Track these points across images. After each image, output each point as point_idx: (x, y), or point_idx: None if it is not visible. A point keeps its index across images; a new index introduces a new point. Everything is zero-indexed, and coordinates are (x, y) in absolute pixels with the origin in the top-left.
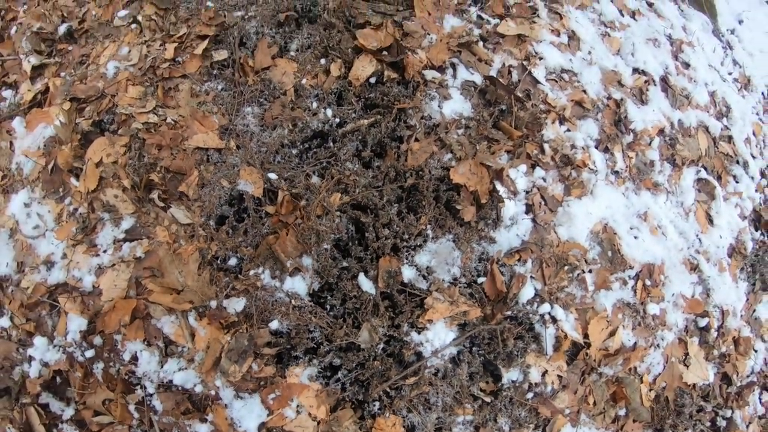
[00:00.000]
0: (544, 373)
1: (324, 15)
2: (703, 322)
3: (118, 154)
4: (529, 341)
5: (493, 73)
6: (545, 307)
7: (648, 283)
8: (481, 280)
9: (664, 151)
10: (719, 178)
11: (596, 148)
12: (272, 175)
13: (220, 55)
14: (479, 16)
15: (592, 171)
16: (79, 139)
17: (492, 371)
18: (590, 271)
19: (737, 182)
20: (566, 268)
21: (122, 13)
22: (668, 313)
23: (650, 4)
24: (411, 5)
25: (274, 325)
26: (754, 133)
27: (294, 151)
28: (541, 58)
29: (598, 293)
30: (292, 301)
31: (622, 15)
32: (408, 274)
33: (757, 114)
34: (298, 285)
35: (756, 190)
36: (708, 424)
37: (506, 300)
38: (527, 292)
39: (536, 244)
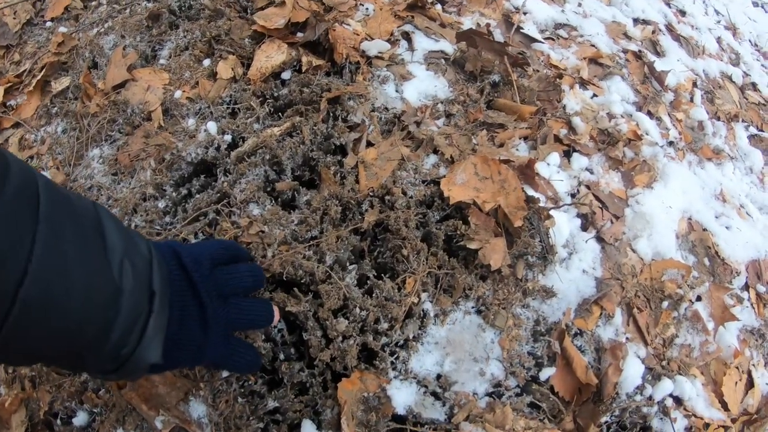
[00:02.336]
0: None
1: (207, 3)
2: None
3: None
4: None
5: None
6: (665, 387)
7: (761, 289)
8: (546, 373)
9: (708, 107)
10: (762, 132)
11: (639, 111)
12: None
13: (60, 84)
14: None
15: (653, 144)
16: None
17: None
18: (699, 299)
19: None
20: (666, 305)
21: None
22: None
23: None
24: None
25: None
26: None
27: (161, 205)
28: (525, 13)
29: (722, 329)
30: None
31: None
32: (403, 398)
33: (758, 60)
34: None
35: None
36: None
37: (601, 397)
38: (634, 369)
39: (615, 275)
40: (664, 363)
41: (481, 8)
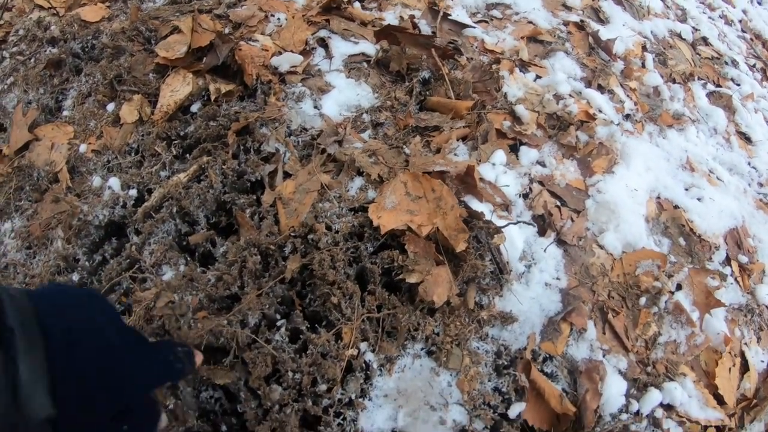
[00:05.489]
0: None
1: (105, 40)
2: None
3: None
4: None
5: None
6: (652, 398)
7: (743, 259)
8: (516, 409)
9: (661, 70)
10: (718, 86)
11: (589, 87)
12: None
13: None
14: None
15: (608, 122)
16: None
17: None
18: (679, 287)
19: (738, 84)
20: (644, 301)
21: None
22: None
23: None
24: None
25: None
26: (717, 30)
27: (75, 278)
28: None
29: (708, 316)
30: None
31: None
32: None
33: (704, 13)
34: None
35: (760, 86)
36: None
37: (582, 424)
38: (615, 389)
39: (583, 284)
40: (649, 368)
41: None
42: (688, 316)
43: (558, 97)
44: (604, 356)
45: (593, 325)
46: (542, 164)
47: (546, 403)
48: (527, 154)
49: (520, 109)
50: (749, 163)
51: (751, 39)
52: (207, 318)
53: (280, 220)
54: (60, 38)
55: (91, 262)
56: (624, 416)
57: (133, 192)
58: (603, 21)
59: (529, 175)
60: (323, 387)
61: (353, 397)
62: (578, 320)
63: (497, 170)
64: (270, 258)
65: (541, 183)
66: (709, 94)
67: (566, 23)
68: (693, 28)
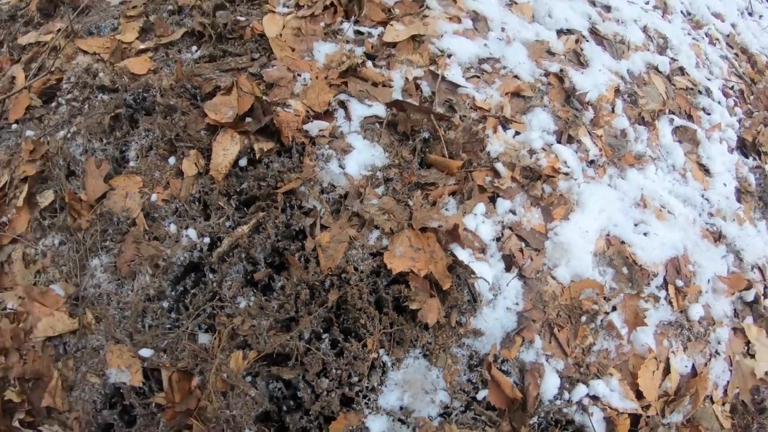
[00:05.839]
0: None
1: (159, 99)
2: (749, 296)
3: None
4: None
5: (396, 93)
6: (580, 390)
7: (680, 283)
8: (482, 394)
9: (629, 112)
10: (690, 118)
11: (559, 142)
12: (146, 352)
13: (46, 198)
14: (357, 32)
15: (567, 175)
16: None
17: None
18: (614, 309)
19: (709, 114)
20: (584, 319)
21: None
22: (712, 306)
23: None
24: (268, 47)
25: None
26: (696, 55)
27: (165, 305)
28: (450, 56)
29: (635, 331)
30: None
31: None
32: (378, 427)
33: (689, 34)
34: None
35: (729, 114)
36: None
37: (526, 406)
38: (551, 383)
39: (537, 307)
40: (582, 369)
41: (409, 55)
42: (618, 331)
43: (531, 152)
44: (547, 360)
45: (540, 338)
46: (513, 212)
47: (503, 391)
48: (502, 204)
49: (500, 166)
50: (703, 195)
51: (736, 55)
52: (276, 335)
53: (320, 263)
54: (110, 87)
55: (175, 292)
56: (558, 402)
57: (207, 240)
58: (583, 64)
59: (502, 222)
60: (355, 379)
61: (375, 385)
62: (528, 334)
63: (478, 220)
64: (315, 291)
65: (510, 228)
66: (675, 130)
67: (547, 73)
68: (671, 58)
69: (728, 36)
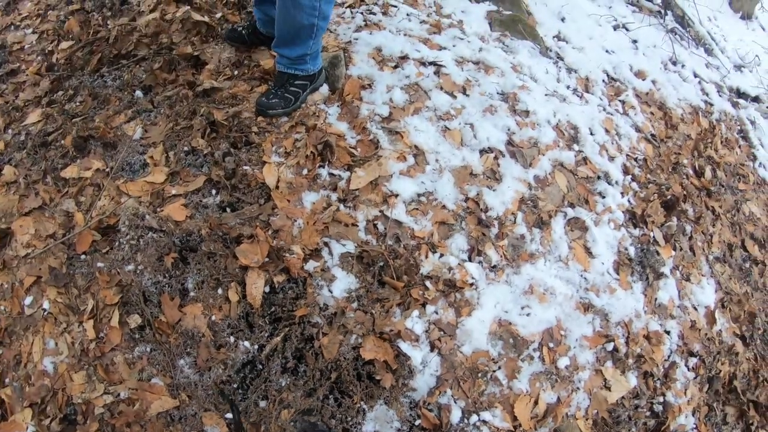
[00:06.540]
0: None
1: (201, 246)
2: (609, 347)
3: None
4: None
5: (360, 231)
6: (474, 418)
7: (551, 345)
8: (418, 422)
9: (529, 218)
10: (586, 202)
11: (470, 259)
12: (228, 415)
13: (134, 320)
14: (330, 174)
15: (472, 286)
16: None
17: None
18: (500, 368)
19: (603, 197)
20: (479, 375)
21: (27, 300)
22: (578, 356)
23: (476, 63)
24: (269, 196)
25: None
26: (606, 131)
27: (234, 386)
28: (396, 195)
29: (513, 381)
30: None
31: (454, 97)
32: None
33: (604, 109)
34: None
35: (622, 194)
36: (648, 413)
37: (442, 428)
38: (455, 415)
39: (449, 371)
40: (477, 405)
41: (368, 196)
42: (500, 381)
43: (450, 269)
44: (455, 401)
45: (450, 389)
46: (436, 312)
47: (429, 420)
48: (429, 308)
49: (428, 283)
50: (581, 275)
51: (652, 114)
52: (304, 399)
53: (324, 356)
54: (158, 229)
55: (239, 377)
56: (461, 424)
57: (256, 346)
58: (497, 179)
59: (429, 320)
60: (349, 418)
61: (359, 420)
62: (443, 388)
63: (414, 321)
64: (323, 372)
65: (434, 324)
66: (568, 222)
67: (466, 198)
68: (577, 150)
69: (647, 94)
